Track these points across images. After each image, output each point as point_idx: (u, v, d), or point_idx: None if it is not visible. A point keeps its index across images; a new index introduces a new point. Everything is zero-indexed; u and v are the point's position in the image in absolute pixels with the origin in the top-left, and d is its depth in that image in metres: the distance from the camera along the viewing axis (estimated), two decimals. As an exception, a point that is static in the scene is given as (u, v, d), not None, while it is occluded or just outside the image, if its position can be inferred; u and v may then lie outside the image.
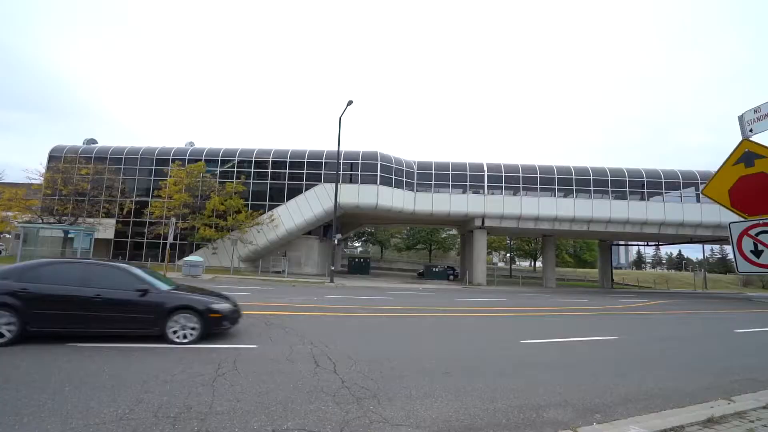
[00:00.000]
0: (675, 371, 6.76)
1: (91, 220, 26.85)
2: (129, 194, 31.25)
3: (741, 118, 3.88)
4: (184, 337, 6.51)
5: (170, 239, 11.34)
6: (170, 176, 29.28)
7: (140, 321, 6.46)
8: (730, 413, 4.51)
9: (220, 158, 31.94)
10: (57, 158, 30.48)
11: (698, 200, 30.88)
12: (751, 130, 3.79)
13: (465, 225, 36.11)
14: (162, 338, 6.44)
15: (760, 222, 3.61)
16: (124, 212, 30.27)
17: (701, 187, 30.79)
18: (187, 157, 31.32)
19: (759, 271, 3.69)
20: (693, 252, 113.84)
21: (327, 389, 4.73)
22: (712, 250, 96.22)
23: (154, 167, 32.16)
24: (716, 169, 4.03)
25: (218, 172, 31.42)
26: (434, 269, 38.36)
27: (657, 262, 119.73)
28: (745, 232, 3.74)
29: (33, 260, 7.17)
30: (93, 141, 34.51)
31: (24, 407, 3.81)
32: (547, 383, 5.50)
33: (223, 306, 7.02)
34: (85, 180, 27.68)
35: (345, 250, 57.91)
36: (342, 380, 5.10)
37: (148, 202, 30.53)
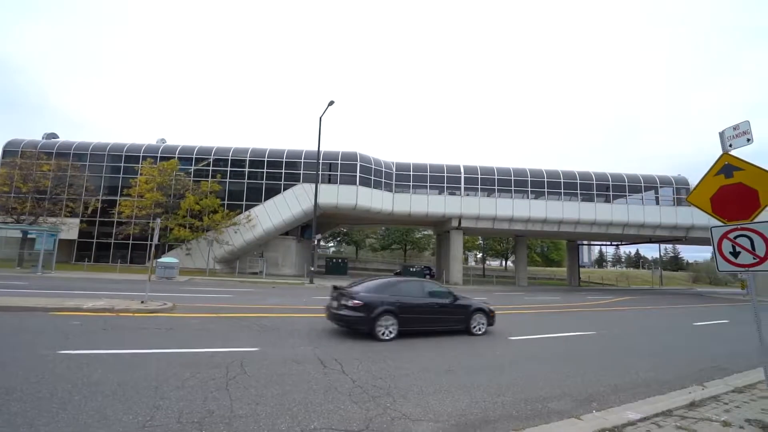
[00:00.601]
0: (651, 362, 7.36)
1: (52, 219, 25.17)
2: (95, 192, 29.51)
3: (722, 135, 4.35)
4: (480, 329, 9.10)
5: (156, 240, 10.94)
6: (141, 174, 27.96)
7: (457, 320, 8.97)
8: (707, 397, 5.04)
9: (194, 156, 30.87)
10: (13, 153, 28.32)
11: (657, 203, 33.08)
12: (730, 145, 4.26)
13: (442, 225, 36.81)
14: (466, 331, 8.96)
15: (738, 227, 4.09)
16: (89, 211, 28.64)
17: (660, 190, 33.05)
18: (159, 155, 30.01)
19: (737, 270, 4.17)
20: (649, 251, 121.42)
21: (341, 389, 4.85)
22: (666, 249, 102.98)
23: (122, 164, 30.57)
24: (698, 180, 4.50)
25: (192, 170, 30.34)
26: (411, 269, 38.76)
27: (617, 260, 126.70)
28: (724, 236, 4.22)
29: (387, 279, 9.29)
30: (54, 135, 32.32)
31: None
32: (544, 377, 5.88)
33: (492, 307, 9.66)
34: (46, 177, 25.91)
35: (318, 251, 57.30)
36: (353, 380, 5.23)
37: (116, 201, 29.00)
